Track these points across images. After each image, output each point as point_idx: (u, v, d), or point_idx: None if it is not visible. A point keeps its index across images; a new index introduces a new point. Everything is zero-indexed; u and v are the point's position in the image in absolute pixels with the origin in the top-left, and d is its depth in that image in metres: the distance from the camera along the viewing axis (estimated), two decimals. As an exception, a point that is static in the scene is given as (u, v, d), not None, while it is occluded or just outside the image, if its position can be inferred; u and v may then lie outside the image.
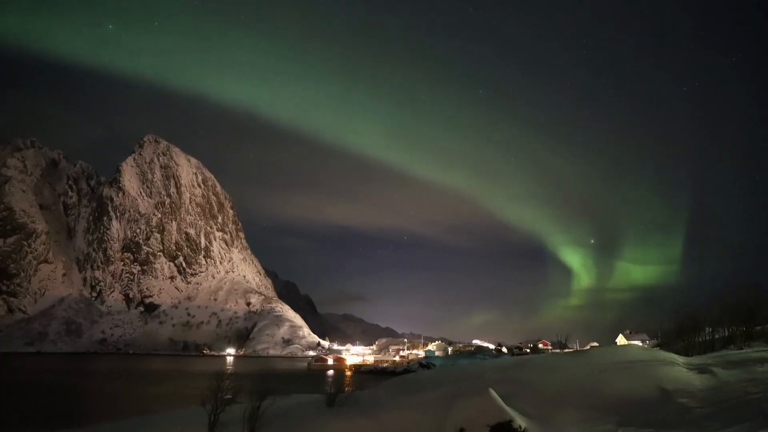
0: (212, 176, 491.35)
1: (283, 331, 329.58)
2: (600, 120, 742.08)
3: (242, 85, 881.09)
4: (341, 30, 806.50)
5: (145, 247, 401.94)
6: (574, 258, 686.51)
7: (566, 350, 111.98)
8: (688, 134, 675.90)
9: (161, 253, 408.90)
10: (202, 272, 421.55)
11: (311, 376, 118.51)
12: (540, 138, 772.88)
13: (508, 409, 19.75)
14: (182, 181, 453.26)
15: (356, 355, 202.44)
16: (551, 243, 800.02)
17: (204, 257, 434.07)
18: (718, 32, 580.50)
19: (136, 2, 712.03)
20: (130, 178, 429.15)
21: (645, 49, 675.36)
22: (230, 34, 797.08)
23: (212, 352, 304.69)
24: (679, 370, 25.89)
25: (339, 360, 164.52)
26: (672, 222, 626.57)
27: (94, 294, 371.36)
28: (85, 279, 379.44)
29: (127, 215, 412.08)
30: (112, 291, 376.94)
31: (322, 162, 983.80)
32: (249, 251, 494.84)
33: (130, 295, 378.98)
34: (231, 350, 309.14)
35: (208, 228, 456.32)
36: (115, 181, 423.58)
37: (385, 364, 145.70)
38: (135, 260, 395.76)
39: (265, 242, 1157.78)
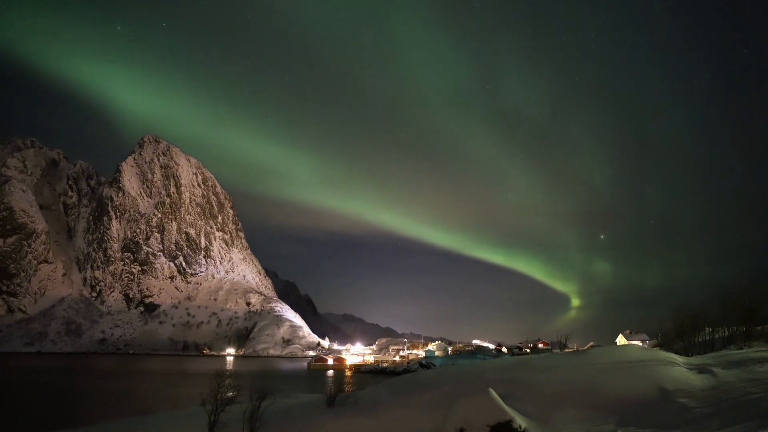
0: (212, 176, 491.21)
1: (283, 331, 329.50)
2: (605, 114, 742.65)
3: (247, 84, 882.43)
4: (344, 36, 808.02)
5: (145, 247, 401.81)
6: (571, 261, 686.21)
7: (566, 350, 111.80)
8: (689, 132, 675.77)
9: (161, 253, 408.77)
10: (202, 272, 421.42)
11: (311, 376, 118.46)
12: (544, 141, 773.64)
13: (508, 409, 19.75)
14: (182, 181, 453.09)
15: (356, 355, 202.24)
16: (552, 243, 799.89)
17: (204, 257, 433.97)
18: (728, 26, 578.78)
19: (143, 4, 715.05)
20: (130, 178, 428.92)
21: (652, 45, 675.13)
22: (235, 34, 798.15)
23: (212, 352, 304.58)
24: (679, 370, 25.86)
25: (339, 360, 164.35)
26: (673, 222, 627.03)
27: (94, 294, 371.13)
28: (85, 279, 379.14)
29: (127, 215, 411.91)
30: (112, 291, 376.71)
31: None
32: (249, 251, 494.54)
33: (130, 295, 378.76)
34: (231, 350, 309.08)
35: (208, 228, 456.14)
36: (115, 181, 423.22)
37: (385, 364, 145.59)
38: (135, 260, 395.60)
39: (265, 243, 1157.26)
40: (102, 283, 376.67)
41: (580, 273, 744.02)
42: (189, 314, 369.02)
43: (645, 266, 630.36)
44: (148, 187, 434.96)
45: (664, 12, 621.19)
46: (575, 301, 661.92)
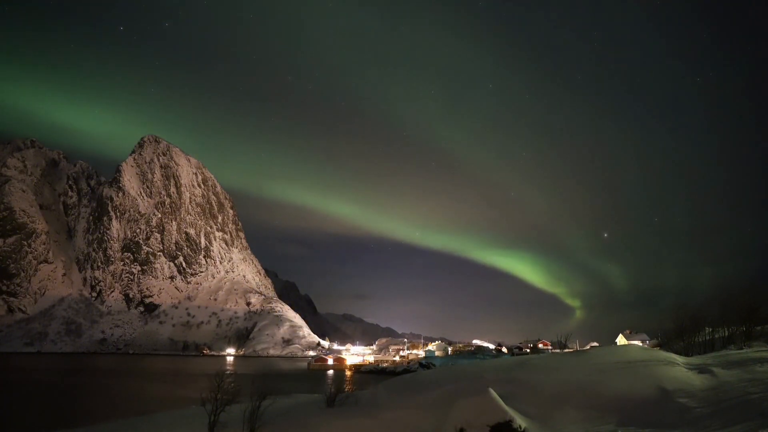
0: (212, 176, 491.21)
1: (283, 331, 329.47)
2: (606, 113, 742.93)
3: (248, 85, 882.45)
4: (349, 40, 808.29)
5: (145, 247, 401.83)
6: (573, 260, 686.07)
7: (566, 350, 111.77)
8: (691, 131, 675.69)
9: (161, 253, 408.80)
10: (202, 272, 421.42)
11: (311, 376, 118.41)
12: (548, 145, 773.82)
13: (508, 409, 19.74)
14: (182, 181, 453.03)
15: (356, 355, 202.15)
16: (554, 243, 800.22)
17: (204, 257, 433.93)
18: (731, 25, 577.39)
19: (146, 5, 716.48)
20: (130, 178, 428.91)
21: (656, 42, 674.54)
22: (237, 35, 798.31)
23: (212, 352, 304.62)
24: (679, 370, 25.84)
25: (339, 360, 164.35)
26: (674, 222, 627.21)
27: (94, 294, 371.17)
28: (85, 279, 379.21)
29: (127, 215, 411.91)
30: (112, 291, 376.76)
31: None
32: (249, 251, 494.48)
33: (130, 295, 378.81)
34: (231, 350, 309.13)
35: (208, 228, 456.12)
36: (115, 181, 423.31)
37: (385, 364, 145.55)
38: (135, 260, 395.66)
39: (265, 243, 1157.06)
40: (102, 283, 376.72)
41: (582, 273, 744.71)
42: (189, 314, 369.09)
43: (646, 266, 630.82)
44: (148, 187, 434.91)
45: (665, 11, 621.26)
46: (576, 301, 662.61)
